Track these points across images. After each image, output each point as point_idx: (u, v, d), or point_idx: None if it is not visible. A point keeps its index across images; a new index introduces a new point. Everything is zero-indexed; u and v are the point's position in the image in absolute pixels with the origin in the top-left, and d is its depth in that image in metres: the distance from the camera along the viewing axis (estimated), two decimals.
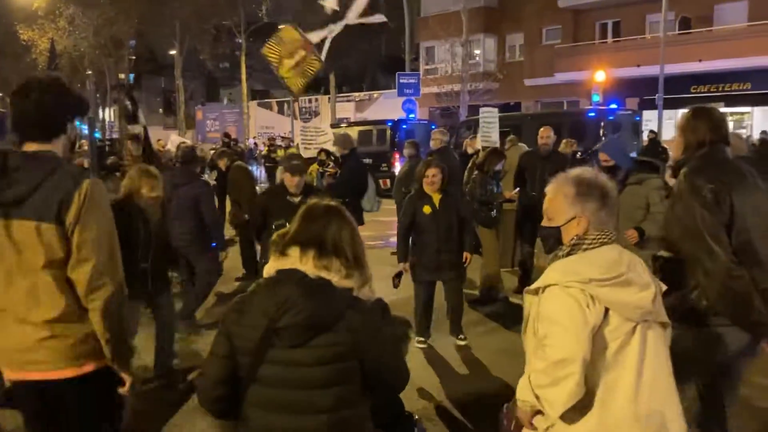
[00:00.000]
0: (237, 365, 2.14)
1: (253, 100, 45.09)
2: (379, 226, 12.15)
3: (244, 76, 40.92)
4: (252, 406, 2.15)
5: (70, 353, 2.48)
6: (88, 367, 2.53)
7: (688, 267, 2.82)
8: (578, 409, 2.18)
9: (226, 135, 17.57)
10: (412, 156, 10.63)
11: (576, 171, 2.42)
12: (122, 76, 43.55)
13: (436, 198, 5.89)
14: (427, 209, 5.88)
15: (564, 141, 9.65)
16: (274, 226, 4.81)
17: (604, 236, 2.29)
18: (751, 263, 2.74)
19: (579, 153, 13.58)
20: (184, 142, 11.98)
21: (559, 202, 2.37)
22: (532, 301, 2.31)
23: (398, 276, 6.05)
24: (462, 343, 6.16)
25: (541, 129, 8.27)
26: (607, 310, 2.17)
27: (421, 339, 6.15)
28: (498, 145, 10.11)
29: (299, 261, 2.15)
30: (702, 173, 2.85)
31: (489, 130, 10.77)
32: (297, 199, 5.06)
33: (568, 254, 2.30)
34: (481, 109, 11.26)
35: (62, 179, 2.44)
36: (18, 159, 2.47)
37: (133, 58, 44.87)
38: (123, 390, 2.61)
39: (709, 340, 2.83)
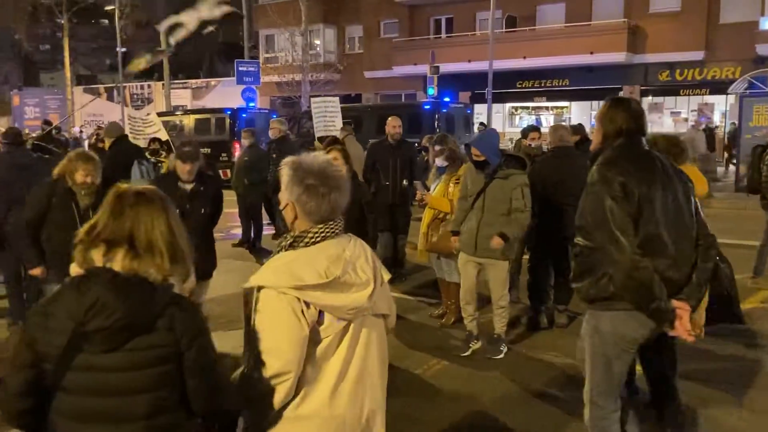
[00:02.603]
0: (43, 374, 1.93)
1: (79, 85, 41.96)
2: (220, 218, 11.74)
3: (67, 60, 37.92)
4: (60, 417, 1.96)
5: None
6: None
7: (599, 255, 2.94)
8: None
9: (46, 122, 16.14)
10: (251, 145, 10.43)
11: (303, 155, 2.25)
12: None
13: None
14: None
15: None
16: None
17: (327, 230, 2.15)
18: (657, 253, 2.88)
19: (417, 143, 14.17)
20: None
21: (282, 186, 2.20)
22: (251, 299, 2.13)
23: None
24: None
25: (390, 118, 8.38)
26: (321, 310, 2.11)
27: None
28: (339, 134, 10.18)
29: (107, 260, 1.97)
30: (614, 165, 2.92)
31: (332, 119, 10.80)
32: (189, 187, 4.92)
33: (291, 245, 2.16)
34: (313, 99, 11.23)
35: None
36: None
37: None
38: None
39: (620, 322, 3.01)
